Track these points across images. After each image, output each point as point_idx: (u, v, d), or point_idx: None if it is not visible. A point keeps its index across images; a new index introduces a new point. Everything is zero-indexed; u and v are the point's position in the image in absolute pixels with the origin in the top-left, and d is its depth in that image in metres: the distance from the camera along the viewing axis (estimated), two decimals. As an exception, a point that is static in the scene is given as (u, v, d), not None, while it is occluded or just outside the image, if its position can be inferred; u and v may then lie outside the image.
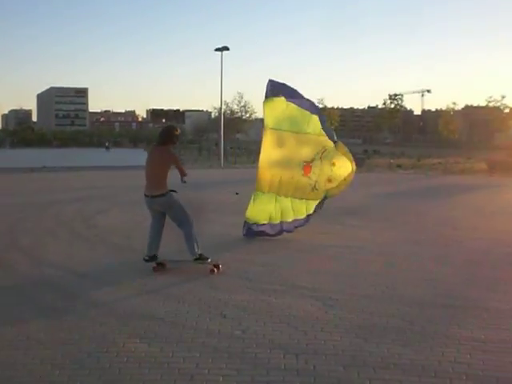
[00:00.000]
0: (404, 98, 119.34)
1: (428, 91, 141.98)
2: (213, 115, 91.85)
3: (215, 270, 7.53)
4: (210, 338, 5.17)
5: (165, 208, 7.61)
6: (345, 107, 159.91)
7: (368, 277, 7.49)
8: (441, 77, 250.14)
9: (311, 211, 9.87)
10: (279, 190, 9.49)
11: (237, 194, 16.42)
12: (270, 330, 5.40)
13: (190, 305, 6.22)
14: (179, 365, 4.58)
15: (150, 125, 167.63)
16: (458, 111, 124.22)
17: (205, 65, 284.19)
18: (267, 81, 9.24)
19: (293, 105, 9.21)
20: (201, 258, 7.58)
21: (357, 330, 5.41)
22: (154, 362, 4.65)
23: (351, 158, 9.84)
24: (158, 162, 7.56)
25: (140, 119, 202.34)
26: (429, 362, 4.64)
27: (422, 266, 8.15)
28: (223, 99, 48.28)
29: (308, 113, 9.31)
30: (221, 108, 48.20)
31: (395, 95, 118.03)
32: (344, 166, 9.75)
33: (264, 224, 9.67)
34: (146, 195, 7.60)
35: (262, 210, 9.56)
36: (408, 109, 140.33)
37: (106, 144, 71.60)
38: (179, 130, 7.87)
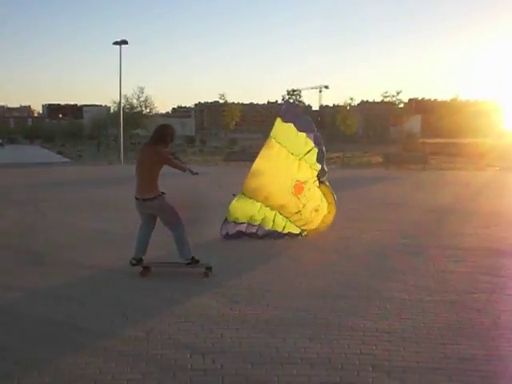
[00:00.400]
0: (303, 94, 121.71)
1: (326, 87, 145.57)
2: (112, 110, 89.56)
3: (208, 273, 7.20)
4: (112, 341, 4.96)
5: (156, 211, 7.17)
6: (245, 102, 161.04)
7: (271, 271, 7.51)
8: (338, 73, 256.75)
9: (285, 231, 9.55)
10: (266, 201, 9.19)
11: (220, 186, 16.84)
12: (175, 330, 5.27)
13: (91, 307, 5.97)
14: (81, 371, 4.36)
15: (47, 120, 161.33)
16: (355, 106, 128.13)
17: (104, 59, 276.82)
18: (284, 104, 9.50)
19: (303, 133, 9.25)
20: (193, 262, 7.23)
21: (263, 326, 5.38)
22: (56, 368, 4.40)
23: (333, 200, 9.81)
24: (147, 163, 7.05)
25: (36, 114, 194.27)
26: (335, 354, 4.69)
27: (325, 259, 8.27)
28: (123, 94, 47.14)
29: (311, 143, 9.35)
30: (120, 102, 46.98)
31: (293, 91, 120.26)
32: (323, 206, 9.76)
33: (243, 223, 9.34)
34: (136, 198, 7.10)
35: (245, 208, 9.24)
36: (306, 104, 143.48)
37: (0, 141, 68.38)
38: (175, 130, 7.32)
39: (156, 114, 78.39)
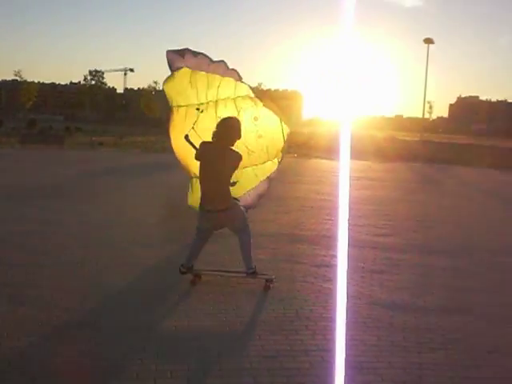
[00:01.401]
0: (106, 76, 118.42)
1: (131, 70, 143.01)
2: None
3: (270, 285, 6.21)
4: None
5: (231, 221, 6.18)
6: (46, 82, 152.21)
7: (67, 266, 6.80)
8: (143, 56, 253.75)
9: (264, 177, 7.50)
10: None
11: None
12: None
13: None
14: None
15: None
16: (160, 91, 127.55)
17: None
18: (165, 53, 7.09)
19: (200, 73, 6.91)
20: (255, 271, 6.19)
21: (47, 329, 4.72)
22: None
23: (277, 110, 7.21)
24: (225, 168, 6.03)
25: None
26: (131, 362, 4.19)
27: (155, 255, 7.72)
28: None
29: (218, 77, 7.22)
30: None
31: (96, 72, 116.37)
32: (269, 117, 7.22)
33: None
34: (207, 210, 6.06)
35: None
36: (111, 87, 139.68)
37: None
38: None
39: None
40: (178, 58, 6.72)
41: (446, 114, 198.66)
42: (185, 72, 6.80)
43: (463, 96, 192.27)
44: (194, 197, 7.10)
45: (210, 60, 6.69)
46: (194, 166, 6.65)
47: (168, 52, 6.69)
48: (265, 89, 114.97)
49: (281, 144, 7.11)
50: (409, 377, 4.15)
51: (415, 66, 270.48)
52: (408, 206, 13.71)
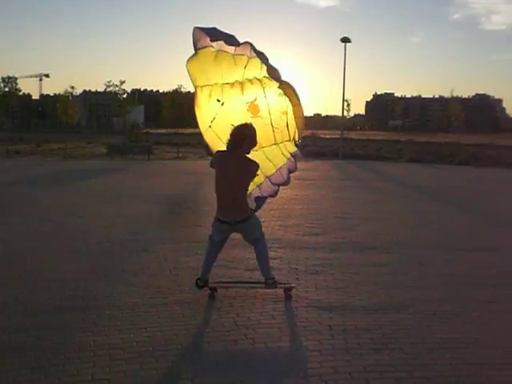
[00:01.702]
0: (20, 82, 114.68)
1: (46, 75, 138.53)
2: None
3: (290, 294, 6.01)
4: None
5: (248, 231, 5.95)
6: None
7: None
8: (59, 62, 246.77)
9: (288, 154, 6.86)
10: None
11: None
12: None
13: None
14: None
15: None
16: (78, 96, 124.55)
17: None
18: (192, 30, 6.32)
19: (224, 53, 6.46)
20: (275, 281, 5.98)
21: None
22: None
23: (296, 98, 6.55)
24: (239, 176, 5.81)
25: None
26: (61, 387, 3.88)
27: (47, 265, 7.27)
28: None
29: (245, 57, 6.37)
30: None
31: (9, 78, 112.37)
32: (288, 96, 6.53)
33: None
34: (223, 221, 5.78)
35: None
36: (26, 93, 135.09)
37: None
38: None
39: None
40: (203, 37, 6.29)
41: (363, 111, 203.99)
42: (209, 51, 6.42)
43: (379, 93, 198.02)
44: None
45: (237, 41, 6.27)
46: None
47: (195, 29, 6.28)
48: (184, 91, 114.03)
49: (294, 124, 6.59)
50: (355, 381, 4.05)
51: (334, 65, 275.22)
52: (335, 203, 13.80)
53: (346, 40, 33.24)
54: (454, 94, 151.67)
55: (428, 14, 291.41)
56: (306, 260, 7.68)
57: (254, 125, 6.31)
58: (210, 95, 6.69)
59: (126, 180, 19.61)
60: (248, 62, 6.47)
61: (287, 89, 6.44)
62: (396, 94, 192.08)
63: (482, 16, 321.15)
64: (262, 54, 6.17)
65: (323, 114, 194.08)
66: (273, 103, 6.70)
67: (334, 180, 20.18)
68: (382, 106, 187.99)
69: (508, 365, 4.45)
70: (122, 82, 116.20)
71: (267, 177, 6.76)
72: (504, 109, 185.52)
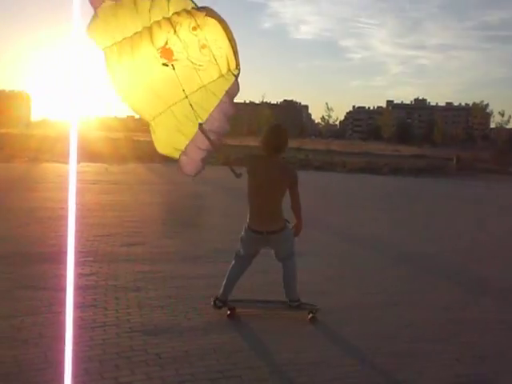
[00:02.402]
0: None
1: None
2: None
3: (315, 317, 5.63)
4: None
5: (281, 245, 5.58)
6: None
7: None
8: None
9: (221, 94, 5.78)
10: (168, 98, 5.68)
11: None
12: None
13: None
14: None
15: None
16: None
17: None
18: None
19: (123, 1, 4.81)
20: (301, 304, 5.65)
21: None
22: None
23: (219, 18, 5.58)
24: (276, 183, 5.42)
25: None
26: None
27: None
28: None
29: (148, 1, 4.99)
30: None
31: None
32: (209, 24, 5.62)
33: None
34: (256, 231, 5.43)
35: (167, 125, 5.78)
36: None
37: None
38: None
39: None
40: None
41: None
42: (107, 6, 5.27)
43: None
44: (161, 139, 5.69)
45: None
46: (151, 106, 5.53)
47: None
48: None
49: (230, 51, 5.80)
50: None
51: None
52: (155, 209, 13.19)
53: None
54: (265, 100, 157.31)
55: (239, 23, 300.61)
56: (126, 275, 7.00)
57: (172, 70, 5.59)
58: (117, 55, 5.57)
59: None
60: (151, 3, 5.54)
61: (213, 15, 5.62)
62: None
63: (292, 25, 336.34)
64: None
65: (137, 117, 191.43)
66: (187, 41, 5.77)
67: (152, 184, 19.48)
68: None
69: None
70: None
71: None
72: (310, 114, 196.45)
